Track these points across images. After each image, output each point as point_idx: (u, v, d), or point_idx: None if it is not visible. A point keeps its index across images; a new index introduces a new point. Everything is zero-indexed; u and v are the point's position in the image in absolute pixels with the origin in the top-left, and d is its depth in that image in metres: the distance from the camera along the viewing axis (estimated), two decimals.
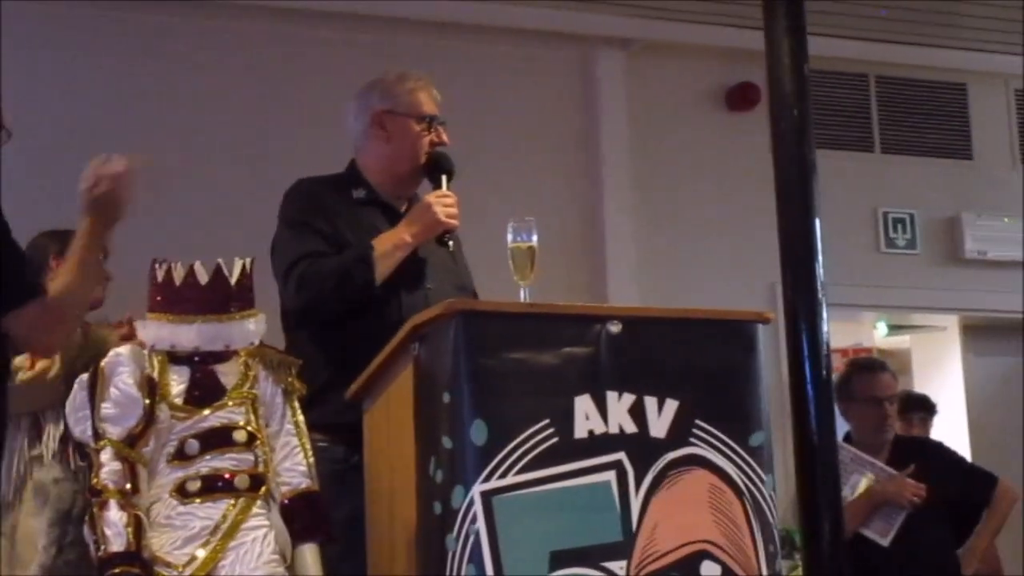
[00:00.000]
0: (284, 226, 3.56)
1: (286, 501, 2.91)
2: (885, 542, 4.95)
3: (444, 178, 3.57)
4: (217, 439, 2.89)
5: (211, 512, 2.84)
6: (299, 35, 6.27)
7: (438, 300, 3.27)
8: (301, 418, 3.01)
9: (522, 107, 6.68)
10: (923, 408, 6.68)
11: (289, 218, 3.56)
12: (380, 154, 3.65)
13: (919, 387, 7.43)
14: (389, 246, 3.43)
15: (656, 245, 6.77)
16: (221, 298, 2.96)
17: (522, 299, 3.01)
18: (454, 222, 3.50)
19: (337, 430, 3.27)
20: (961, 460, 5.45)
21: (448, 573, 2.62)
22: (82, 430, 2.90)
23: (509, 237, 3.09)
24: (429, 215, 3.48)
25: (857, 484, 5.00)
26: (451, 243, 3.55)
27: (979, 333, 7.56)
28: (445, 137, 3.65)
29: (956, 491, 5.09)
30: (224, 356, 2.96)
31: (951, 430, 6.99)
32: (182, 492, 2.84)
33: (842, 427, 5.01)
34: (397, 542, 2.89)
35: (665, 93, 6.97)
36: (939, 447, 5.50)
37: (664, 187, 6.86)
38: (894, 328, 7.90)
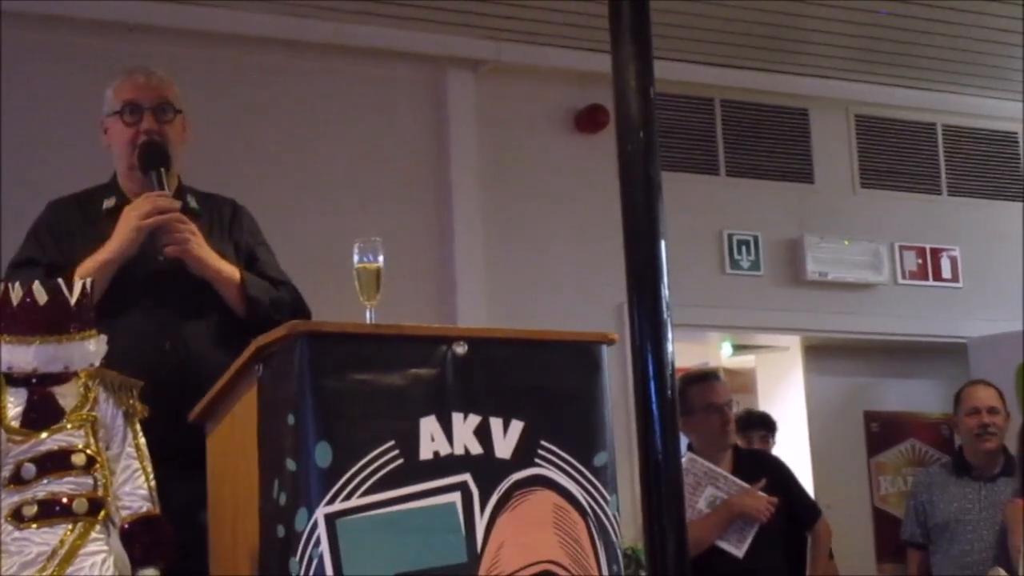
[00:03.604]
0: (8, 266, 3.39)
1: (126, 525, 2.85)
2: (740, 554, 5.02)
3: (157, 173, 3.38)
4: (55, 463, 2.82)
5: (48, 537, 2.77)
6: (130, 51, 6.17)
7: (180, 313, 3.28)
8: (142, 441, 2.95)
9: (371, 126, 6.67)
10: (764, 426, 6.80)
11: (12, 259, 3.41)
12: (113, 160, 3.52)
13: (763, 406, 7.58)
14: (91, 268, 3.25)
15: (505, 266, 6.79)
16: (60, 319, 2.90)
17: (368, 320, 3.00)
18: (150, 222, 3.29)
19: None
20: (796, 482, 5.56)
21: None
22: None
23: (355, 257, 3.07)
24: (125, 224, 3.30)
25: (711, 497, 5.07)
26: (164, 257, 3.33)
27: (820, 353, 7.73)
28: (154, 124, 3.43)
29: (788, 508, 5.21)
30: (63, 378, 2.89)
31: (793, 447, 7.14)
32: (18, 517, 2.77)
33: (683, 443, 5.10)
34: (240, 566, 2.86)
35: (515, 114, 7.01)
36: (777, 463, 5.60)
37: (514, 208, 6.90)
38: (739, 348, 8.04)
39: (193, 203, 3.53)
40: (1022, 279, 8.00)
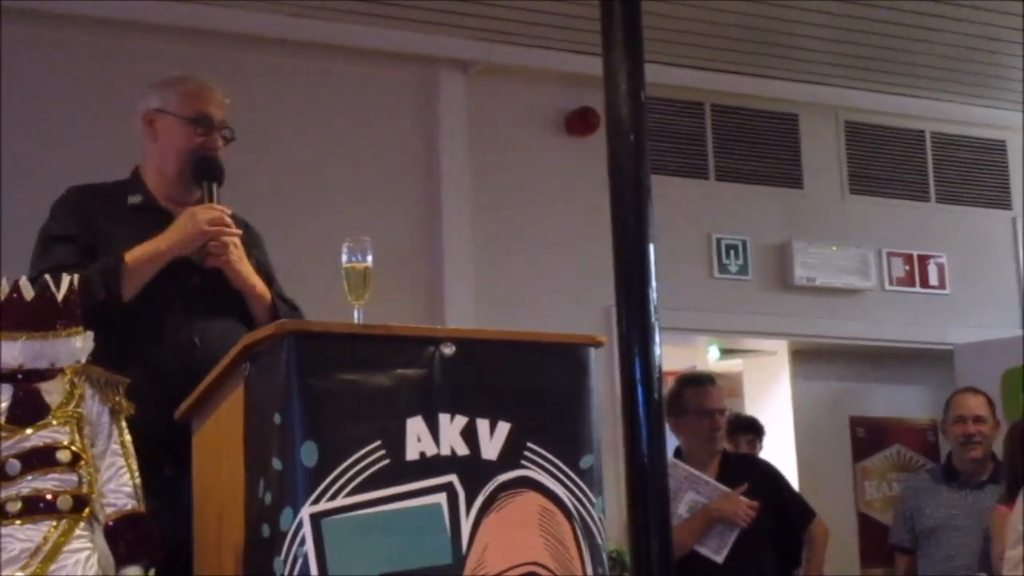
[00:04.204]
0: (37, 240, 3.42)
1: (110, 523, 2.84)
2: (719, 559, 5.03)
3: (208, 187, 3.43)
4: (40, 459, 2.81)
5: (32, 534, 2.76)
6: (128, 48, 6.16)
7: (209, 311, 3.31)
8: (128, 438, 2.94)
9: (362, 126, 6.66)
10: (751, 430, 6.82)
11: (43, 232, 3.42)
12: (150, 155, 3.53)
13: (750, 410, 7.59)
14: (142, 257, 3.29)
15: (494, 267, 6.80)
16: (47, 315, 2.89)
17: (356, 320, 3.00)
18: (215, 230, 3.35)
19: None
20: (786, 485, 5.58)
21: None
22: None
23: (344, 257, 3.07)
24: (191, 224, 3.34)
25: (691, 502, 5.08)
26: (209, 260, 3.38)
27: (807, 358, 7.74)
28: (219, 143, 3.49)
29: (778, 514, 5.21)
30: (49, 374, 2.88)
31: (779, 452, 7.14)
32: (1, 513, 2.76)
33: (672, 444, 5.11)
34: (224, 564, 2.85)
35: (505, 116, 7.01)
36: (768, 468, 5.62)
37: (503, 210, 6.90)
38: (726, 352, 8.04)
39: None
40: (1009, 286, 8.04)
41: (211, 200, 3.44)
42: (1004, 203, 8.12)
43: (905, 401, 7.78)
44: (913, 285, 7.78)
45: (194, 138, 3.48)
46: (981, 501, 5.59)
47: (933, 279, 7.82)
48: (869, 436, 7.71)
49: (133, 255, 3.28)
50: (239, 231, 3.46)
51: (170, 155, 3.49)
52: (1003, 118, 7.99)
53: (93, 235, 3.38)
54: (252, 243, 3.65)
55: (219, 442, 2.94)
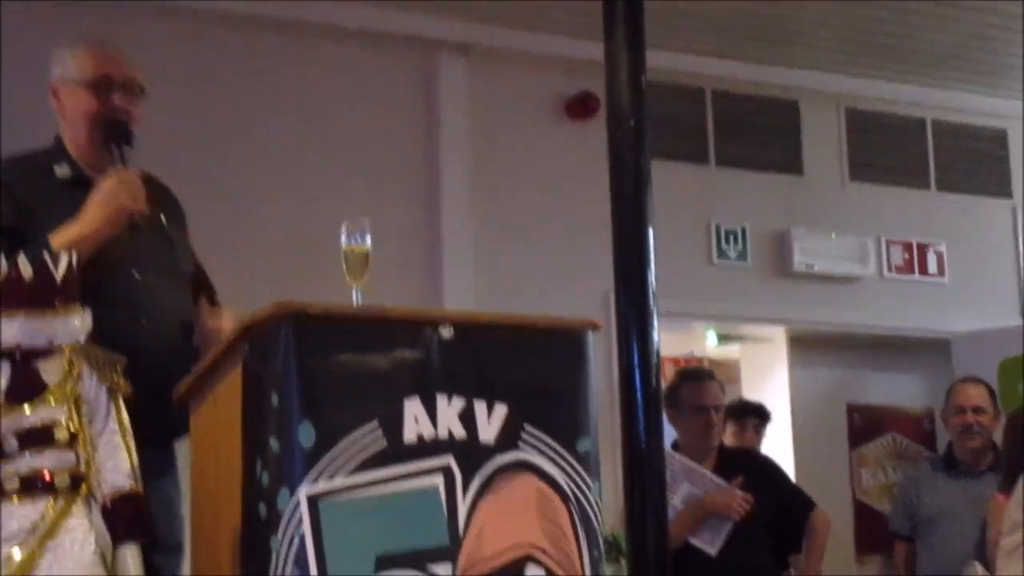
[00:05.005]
0: None
1: (108, 502, 2.85)
2: (713, 551, 5.04)
3: (119, 150, 3.32)
4: (37, 437, 2.82)
5: (29, 511, 2.77)
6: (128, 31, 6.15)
7: (150, 289, 3.25)
8: (125, 417, 2.95)
9: (362, 109, 6.66)
10: (758, 415, 6.83)
11: None
12: (63, 127, 3.45)
13: (747, 396, 7.58)
14: (69, 242, 3.14)
15: (493, 251, 6.80)
16: (46, 293, 2.89)
17: (354, 302, 3.00)
18: (139, 204, 3.25)
19: None
20: (784, 477, 5.58)
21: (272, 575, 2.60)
22: None
23: (343, 239, 3.06)
24: (113, 202, 3.22)
25: (686, 494, 5.09)
26: (143, 224, 3.28)
27: (805, 345, 7.74)
28: (127, 102, 3.38)
29: (776, 507, 5.22)
30: (47, 352, 2.89)
31: (776, 438, 7.15)
32: None
33: (670, 436, 5.12)
34: (221, 544, 2.85)
35: (505, 100, 7.01)
36: (765, 461, 5.63)
37: (502, 193, 6.90)
38: (724, 338, 8.04)
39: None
40: (1008, 276, 8.04)
41: (123, 163, 3.33)
42: (1004, 192, 8.11)
43: (902, 389, 7.79)
44: (912, 273, 7.78)
45: (95, 101, 3.38)
46: (980, 490, 5.60)
47: (932, 267, 7.82)
48: (865, 424, 7.73)
49: (60, 240, 3.16)
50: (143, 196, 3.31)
51: (78, 123, 3.41)
52: (1004, 107, 7.99)
53: (19, 212, 3.26)
54: (169, 206, 3.58)
55: (216, 423, 2.94)
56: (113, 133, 3.35)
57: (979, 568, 4.88)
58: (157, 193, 3.52)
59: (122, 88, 3.41)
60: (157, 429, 2.95)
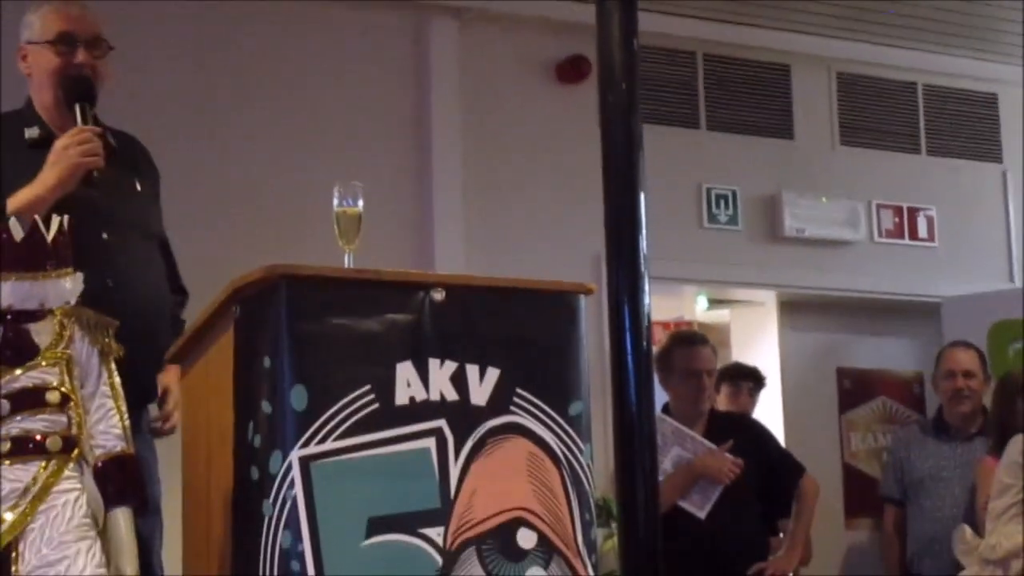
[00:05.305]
0: None
1: (100, 464, 2.85)
2: (702, 514, 5.06)
3: (82, 108, 3.28)
4: (29, 400, 2.81)
5: (21, 474, 2.77)
6: None
7: (119, 248, 3.23)
8: (117, 380, 2.95)
9: (353, 71, 6.63)
10: (753, 379, 6.86)
11: None
12: (32, 89, 3.43)
13: (739, 360, 7.60)
14: (23, 205, 3.14)
15: (485, 214, 6.79)
16: (37, 256, 2.88)
17: (346, 265, 2.99)
18: (92, 160, 3.21)
19: None
20: (774, 442, 5.60)
21: (264, 538, 2.60)
22: None
23: (335, 202, 3.06)
24: (64, 159, 3.19)
25: (676, 457, 5.10)
26: (99, 179, 3.26)
27: (795, 309, 7.75)
28: (85, 58, 3.34)
29: (767, 472, 5.24)
30: (38, 315, 2.88)
31: (766, 403, 7.17)
32: None
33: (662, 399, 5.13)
34: (213, 507, 2.86)
35: (497, 63, 6.98)
36: (755, 425, 5.64)
37: (494, 156, 6.88)
38: (715, 302, 8.05)
39: (111, 140, 3.46)
40: (997, 240, 8.05)
41: (85, 121, 3.30)
42: (995, 156, 8.11)
43: (892, 353, 7.81)
44: (902, 237, 7.79)
45: (57, 59, 3.36)
46: (970, 454, 5.63)
47: (922, 232, 7.82)
48: (855, 388, 7.74)
49: (15, 203, 3.17)
50: (99, 150, 3.27)
51: (44, 83, 3.39)
52: (995, 71, 7.97)
53: None
54: (144, 168, 3.56)
55: (208, 385, 2.95)
56: (75, 90, 3.32)
57: (967, 532, 4.91)
58: (131, 153, 3.51)
59: (86, 45, 3.38)
60: (128, 392, 2.95)
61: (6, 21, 5.73)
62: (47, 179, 3.20)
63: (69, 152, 3.21)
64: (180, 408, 3.32)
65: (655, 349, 4.66)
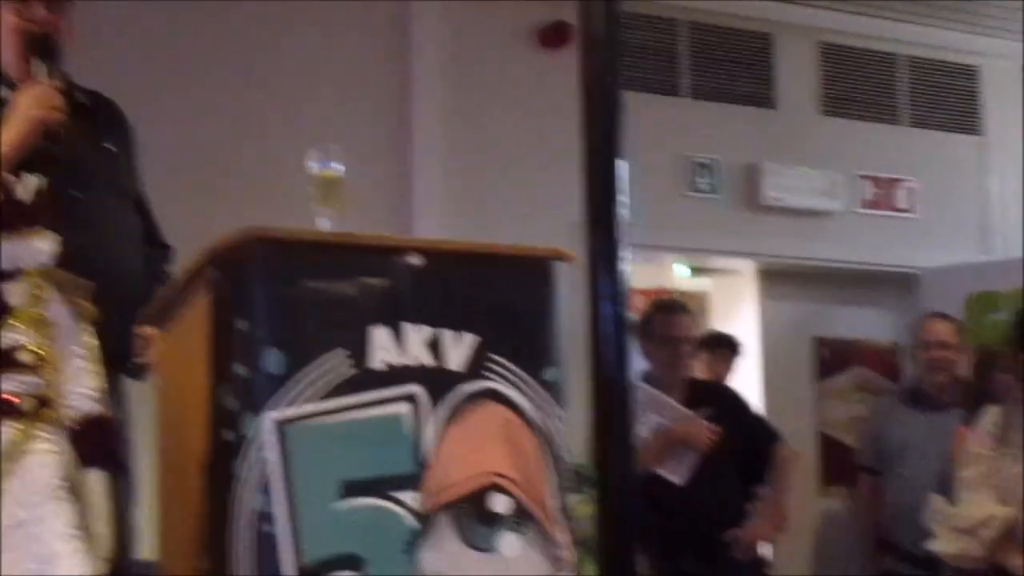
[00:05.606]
0: None
1: (75, 426, 2.85)
2: (679, 481, 5.07)
3: (42, 65, 3.20)
4: (3, 361, 2.80)
5: None
6: None
7: (94, 209, 3.20)
8: (93, 341, 2.94)
9: (335, 35, 6.60)
10: (729, 347, 6.89)
11: None
12: None
13: (718, 329, 7.61)
14: None
15: (465, 180, 6.77)
16: (12, 216, 2.87)
17: (323, 228, 2.98)
18: (50, 113, 3.13)
19: None
20: (751, 410, 5.62)
21: (236, 500, 2.60)
22: None
23: (313, 164, 3.04)
24: (19, 116, 3.12)
25: (654, 424, 5.11)
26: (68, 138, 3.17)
27: (775, 278, 7.77)
28: (44, 13, 3.29)
29: (743, 440, 5.26)
30: (13, 276, 2.87)
31: (745, 371, 7.19)
32: None
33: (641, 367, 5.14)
34: (187, 469, 2.85)
35: (479, 28, 6.95)
36: (732, 393, 5.66)
37: (475, 122, 6.86)
38: (696, 271, 8.05)
39: (82, 98, 3.43)
40: (976, 212, 8.07)
41: (46, 77, 3.22)
42: (975, 128, 8.12)
43: (870, 323, 7.83)
44: (882, 208, 7.80)
45: (15, 15, 3.31)
46: (945, 424, 5.65)
47: (902, 203, 7.84)
48: (833, 357, 7.77)
49: None
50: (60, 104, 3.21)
51: (6, 41, 3.34)
52: (977, 43, 7.98)
53: None
54: (116, 127, 3.52)
55: (182, 348, 2.94)
56: (34, 46, 3.26)
57: (939, 501, 4.93)
58: (107, 113, 3.48)
59: (46, 1, 3.33)
60: (103, 353, 2.92)
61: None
62: (8, 136, 3.12)
63: (27, 109, 3.15)
64: (155, 369, 3.30)
65: (635, 317, 4.67)
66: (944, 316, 6.07)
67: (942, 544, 4.81)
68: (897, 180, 7.84)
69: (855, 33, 7.80)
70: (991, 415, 4.87)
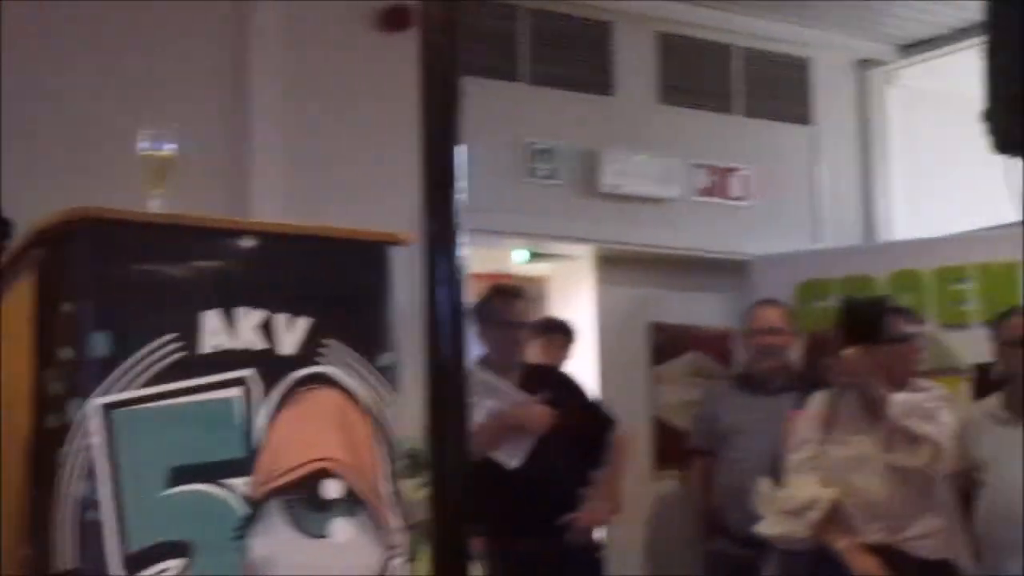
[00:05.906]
0: None
1: None
2: (515, 465, 5.10)
3: None
4: None
5: None
6: None
7: None
8: None
9: (171, 12, 6.47)
10: (563, 332, 6.95)
11: None
12: None
13: (556, 314, 7.67)
14: None
15: (304, 163, 6.70)
16: None
17: (154, 210, 2.93)
18: None
19: None
20: (586, 394, 5.67)
21: (60, 488, 2.55)
22: None
23: (143, 144, 2.98)
24: None
25: (490, 408, 5.13)
26: None
27: (612, 264, 7.84)
28: None
29: (579, 423, 5.31)
30: None
31: (582, 356, 7.25)
32: None
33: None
34: (11, 456, 2.79)
35: (318, 9, 6.88)
36: (567, 378, 5.71)
37: (315, 104, 6.79)
38: (535, 256, 8.10)
39: None
40: (807, 201, 8.26)
41: None
42: (807, 119, 8.31)
43: (704, 309, 7.95)
44: (717, 196, 7.93)
45: None
46: (776, 408, 5.76)
47: (736, 191, 7.98)
48: (668, 342, 7.88)
49: None
50: None
51: None
52: (809, 35, 8.17)
53: None
54: None
55: (8, 331, 2.86)
56: None
57: (767, 484, 5.04)
58: None
59: None
60: None
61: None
62: None
63: None
64: None
65: (472, 301, 4.67)
66: (774, 303, 6.20)
67: (769, 526, 4.92)
68: (731, 169, 7.98)
69: (692, 23, 7.91)
70: (819, 399, 4.99)
